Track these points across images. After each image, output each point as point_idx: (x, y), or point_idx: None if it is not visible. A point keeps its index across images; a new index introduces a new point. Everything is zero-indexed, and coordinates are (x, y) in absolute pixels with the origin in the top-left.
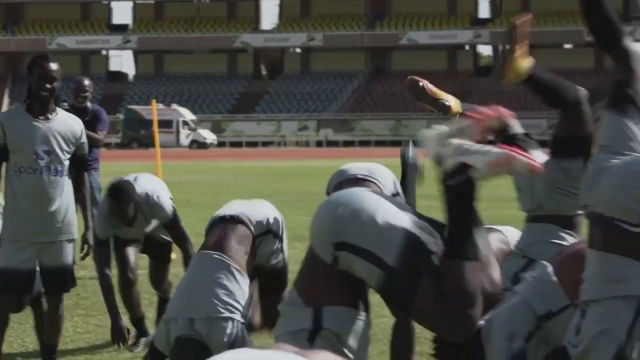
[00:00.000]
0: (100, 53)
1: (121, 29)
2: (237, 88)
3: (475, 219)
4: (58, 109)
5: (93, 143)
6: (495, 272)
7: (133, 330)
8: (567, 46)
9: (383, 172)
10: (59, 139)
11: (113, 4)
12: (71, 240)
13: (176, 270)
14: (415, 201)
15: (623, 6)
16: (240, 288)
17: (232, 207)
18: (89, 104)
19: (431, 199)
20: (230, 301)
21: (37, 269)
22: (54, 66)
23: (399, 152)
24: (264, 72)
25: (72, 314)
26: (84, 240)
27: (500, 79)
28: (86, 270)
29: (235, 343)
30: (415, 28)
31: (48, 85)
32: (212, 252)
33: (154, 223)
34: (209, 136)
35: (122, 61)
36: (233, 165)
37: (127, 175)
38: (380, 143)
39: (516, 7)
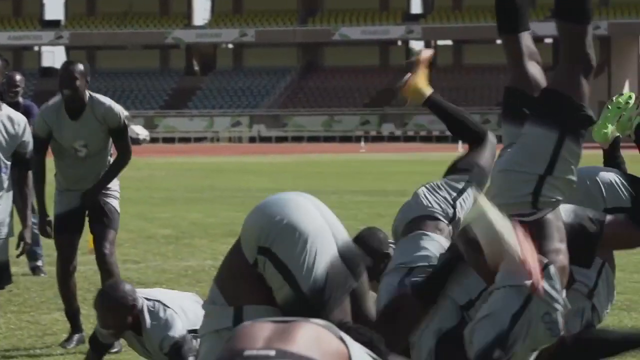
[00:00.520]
0: (32, 49)
1: (53, 24)
2: (169, 84)
3: None
4: (3, 105)
5: None
6: None
7: (67, 326)
8: (500, 41)
9: None
10: (2, 136)
11: (45, 0)
12: (6, 239)
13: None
14: None
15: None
16: None
17: None
18: (20, 99)
19: None
20: None
21: None
22: None
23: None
24: (196, 68)
25: (5, 311)
26: (21, 238)
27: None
28: (18, 267)
29: None
30: (347, 24)
31: None
32: None
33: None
34: (141, 132)
35: (55, 57)
36: (166, 161)
37: None
38: (313, 139)
39: (448, 3)
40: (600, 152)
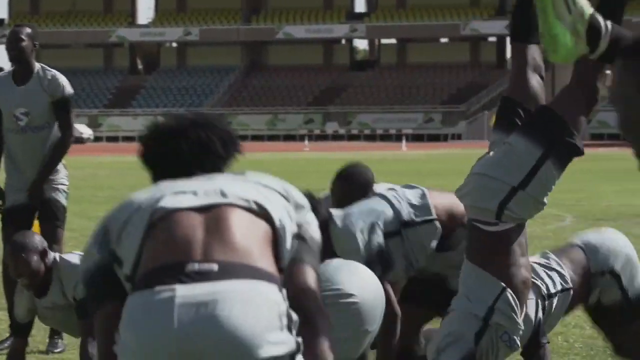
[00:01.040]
0: None
1: None
2: (113, 83)
3: None
4: None
5: None
6: None
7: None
8: (443, 40)
9: None
10: None
11: None
12: None
13: None
14: None
15: (499, 0)
16: None
17: None
18: None
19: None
20: None
21: None
22: None
23: None
24: (140, 66)
25: None
26: None
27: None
28: None
29: None
30: (291, 22)
31: None
32: None
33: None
34: (85, 131)
35: None
36: (110, 160)
37: None
38: (257, 137)
39: (392, 2)
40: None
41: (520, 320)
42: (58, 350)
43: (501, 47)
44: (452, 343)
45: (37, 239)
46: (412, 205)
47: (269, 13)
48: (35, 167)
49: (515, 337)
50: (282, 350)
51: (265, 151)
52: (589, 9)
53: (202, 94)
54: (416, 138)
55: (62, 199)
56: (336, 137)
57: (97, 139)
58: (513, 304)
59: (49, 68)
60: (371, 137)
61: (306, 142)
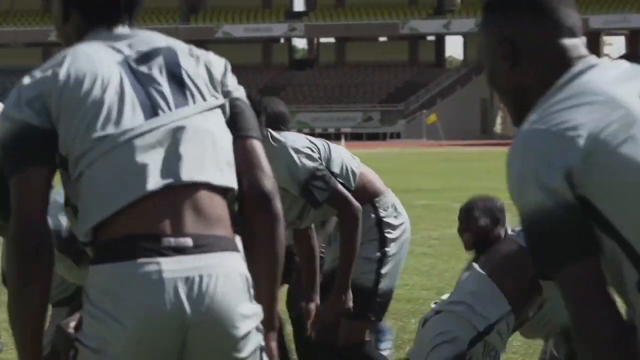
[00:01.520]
0: None
1: None
2: None
3: None
4: None
5: None
6: None
7: None
8: (382, 39)
9: None
10: None
11: None
12: None
13: None
14: None
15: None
16: None
17: None
18: None
19: None
20: None
21: None
22: None
23: None
24: None
25: None
26: None
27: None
28: None
29: None
30: (230, 22)
31: None
32: None
33: None
34: None
35: None
36: None
37: None
38: None
39: (330, 1)
40: None
41: (503, 349)
42: None
43: (440, 46)
44: (447, 342)
45: None
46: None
47: (208, 12)
48: None
49: (500, 356)
50: (255, 322)
51: None
52: None
53: None
54: (355, 137)
55: None
56: None
57: None
58: (510, 328)
59: None
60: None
61: None
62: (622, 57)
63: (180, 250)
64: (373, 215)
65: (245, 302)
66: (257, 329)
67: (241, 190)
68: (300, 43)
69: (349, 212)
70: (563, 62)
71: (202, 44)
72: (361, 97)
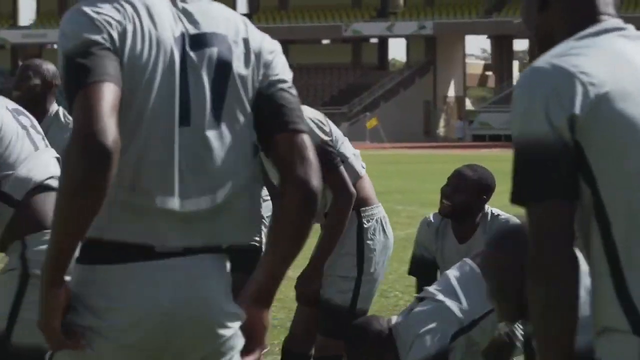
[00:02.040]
0: None
1: None
2: None
3: None
4: None
5: None
6: None
7: None
8: (325, 42)
9: None
10: None
11: None
12: None
13: None
14: None
15: (381, 2)
16: None
17: None
18: None
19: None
20: None
21: None
22: None
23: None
24: None
25: None
26: None
27: None
28: None
29: None
30: None
31: None
32: None
33: None
34: None
35: None
36: None
37: None
38: None
39: (274, 3)
40: None
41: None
42: None
43: (383, 48)
44: (430, 334)
45: (51, 67)
46: None
47: None
48: None
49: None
50: (240, 320)
51: None
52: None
53: None
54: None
55: None
56: None
57: None
58: (494, 325)
59: None
60: None
61: None
62: None
63: (170, 252)
64: (355, 224)
65: (229, 302)
66: (237, 333)
67: (286, 182)
68: None
69: (345, 194)
70: (591, 14)
71: None
72: (304, 100)
